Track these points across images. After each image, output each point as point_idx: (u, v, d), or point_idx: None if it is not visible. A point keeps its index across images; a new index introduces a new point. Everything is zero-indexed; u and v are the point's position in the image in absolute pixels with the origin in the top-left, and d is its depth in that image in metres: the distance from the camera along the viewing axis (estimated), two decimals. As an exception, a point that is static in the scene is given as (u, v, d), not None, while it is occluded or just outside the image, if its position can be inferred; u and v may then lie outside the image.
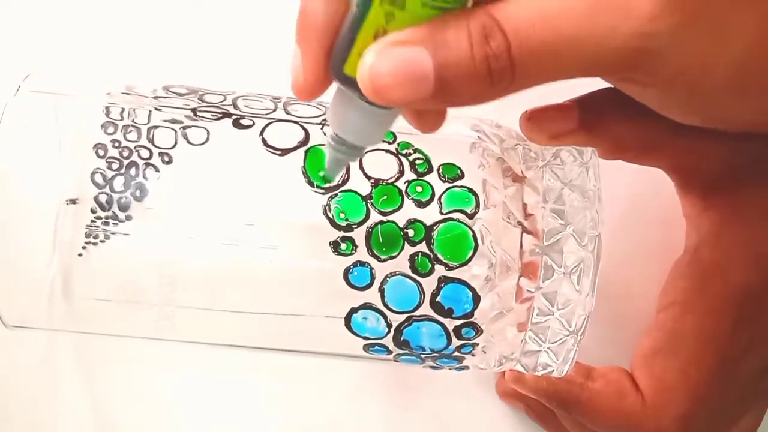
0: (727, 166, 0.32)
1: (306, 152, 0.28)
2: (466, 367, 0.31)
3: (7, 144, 0.28)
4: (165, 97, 0.30)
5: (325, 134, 0.29)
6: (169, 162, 0.28)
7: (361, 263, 0.27)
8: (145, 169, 0.28)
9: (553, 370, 0.30)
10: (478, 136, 0.30)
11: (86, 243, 0.28)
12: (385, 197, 0.28)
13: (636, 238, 0.39)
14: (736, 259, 0.32)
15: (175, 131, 0.28)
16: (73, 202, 0.27)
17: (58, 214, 0.28)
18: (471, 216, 0.28)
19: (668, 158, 0.32)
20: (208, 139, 0.29)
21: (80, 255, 0.29)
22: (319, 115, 0.30)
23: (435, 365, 0.31)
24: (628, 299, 0.39)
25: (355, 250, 0.27)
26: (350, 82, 0.22)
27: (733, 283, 0.32)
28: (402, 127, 0.30)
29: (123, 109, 0.29)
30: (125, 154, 0.28)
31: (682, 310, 0.33)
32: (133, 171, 0.28)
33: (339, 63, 0.22)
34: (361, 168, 0.28)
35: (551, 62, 0.22)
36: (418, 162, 0.28)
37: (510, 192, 0.29)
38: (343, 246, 0.27)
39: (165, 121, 0.29)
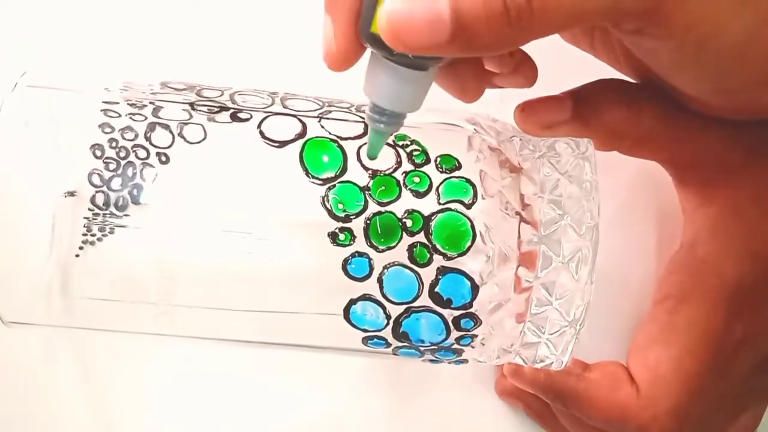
0: (723, 160, 0.32)
1: (303, 144, 0.28)
2: (465, 361, 0.31)
3: (3, 142, 0.28)
4: (162, 93, 0.30)
5: (322, 127, 0.29)
6: (167, 161, 0.28)
7: (360, 254, 0.27)
8: (142, 169, 0.28)
9: (552, 362, 0.30)
10: (475, 129, 0.30)
11: (83, 243, 0.28)
12: (383, 188, 0.28)
13: (634, 233, 0.39)
14: (732, 253, 0.32)
15: (172, 130, 0.28)
16: (71, 194, 0.27)
17: (55, 213, 0.28)
18: (469, 206, 0.28)
19: (663, 150, 0.32)
20: (205, 137, 0.29)
21: (77, 256, 0.28)
22: (317, 109, 0.30)
23: (434, 358, 0.31)
24: (626, 296, 0.39)
25: (354, 241, 0.27)
26: (379, 42, 0.22)
27: (728, 278, 0.32)
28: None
29: (120, 107, 0.29)
30: (122, 154, 0.28)
31: (676, 303, 0.33)
32: (130, 171, 0.28)
33: (367, 23, 0.22)
34: (359, 159, 0.28)
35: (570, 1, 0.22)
36: (415, 153, 0.28)
37: (507, 182, 0.29)
38: (342, 237, 0.27)
39: (162, 119, 0.29)
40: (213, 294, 0.30)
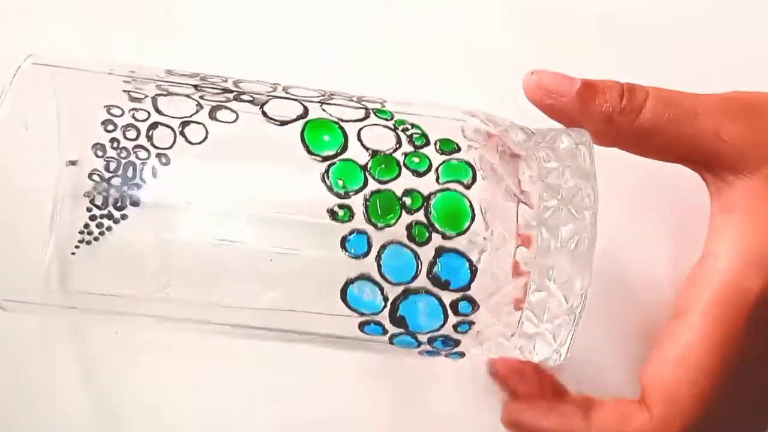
0: (739, 163, 0.31)
1: (305, 124, 0.28)
2: (463, 354, 0.31)
3: (5, 127, 0.28)
4: (167, 78, 0.30)
5: (324, 110, 0.29)
6: (167, 162, 0.28)
7: (359, 231, 0.27)
8: (142, 169, 0.28)
9: (550, 356, 0.30)
10: (474, 118, 0.30)
11: (79, 242, 0.28)
12: (383, 166, 0.28)
13: (645, 238, 0.39)
14: (753, 266, 0.31)
15: (174, 129, 0.29)
16: (73, 163, 0.28)
17: (53, 214, 0.28)
18: (468, 187, 0.28)
19: (670, 150, 0.32)
20: (206, 136, 0.29)
21: (73, 254, 0.29)
22: (318, 96, 0.30)
23: (431, 349, 0.30)
24: (629, 301, 0.38)
25: (353, 218, 0.27)
26: None
27: (749, 292, 0.31)
28: (398, 107, 0.30)
29: (123, 100, 0.29)
30: (123, 155, 0.28)
31: (694, 318, 0.32)
32: (130, 171, 0.28)
33: None
34: (359, 140, 0.28)
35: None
36: (415, 136, 0.29)
37: (506, 167, 0.29)
38: (341, 213, 0.27)
39: (165, 115, 0.29)
40: (212, 285, 0.30)
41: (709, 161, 0.32)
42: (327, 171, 0.28)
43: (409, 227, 0.28)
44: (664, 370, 0.32)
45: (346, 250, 0.28)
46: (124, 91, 0.30)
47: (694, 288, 0.32)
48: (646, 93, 0.31)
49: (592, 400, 0.34)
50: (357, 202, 0.27)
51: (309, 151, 0.28)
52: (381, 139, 0.28)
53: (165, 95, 0.29)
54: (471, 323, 0.29)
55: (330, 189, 0.27)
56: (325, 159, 0.28)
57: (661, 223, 0.38)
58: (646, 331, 0.36)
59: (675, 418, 0.31)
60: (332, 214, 0.27)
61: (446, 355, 0.31)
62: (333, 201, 0.27)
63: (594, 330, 0.35)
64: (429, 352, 0.31)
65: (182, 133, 0.29)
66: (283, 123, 0.28)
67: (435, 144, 0.29)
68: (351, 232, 0.27)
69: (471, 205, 0.28)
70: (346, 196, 0.27)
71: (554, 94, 0.30)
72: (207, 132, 0.29)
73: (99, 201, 0.28)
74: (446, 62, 0.39)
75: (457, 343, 0.30)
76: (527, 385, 0.36)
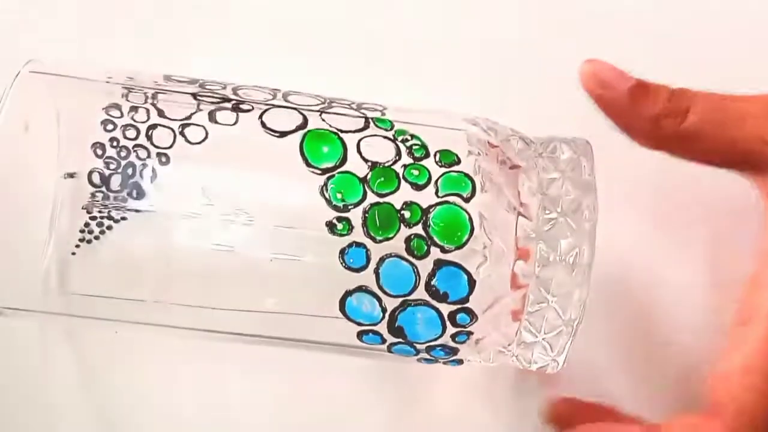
0: None
1: (304, 135, 0.28)
2: (461, 362, 0.31)
3: (5, 133, 0.28)
4: (166, 84, 0.30)
5: (323, 120, 0.29)
6: (167, 162, 0.28)
7: (357, 244, 0.27)
8: (142, 170, 0.28)
9: (548, 365, 0.30)
10: (475, 128, 0.30)
11: (80, 241, 0.28)
12: (382, 179, 0.28)
13: (643, 245, 0.38)
14: None
15: (173, 130, 0.29)
16: (71, 175, 0.28)
17: (53, 214, 0.28)
18: (467, 200, 0.28)
19: (714, 155, 0.32)
20: (206, 137, 0.29)
21: (73, 254, 0.28)
22: (318, 105, 0.30)
23: (429, 357, 0.30)
24: (632, 306, 0.38)
25: (351, 231, 0.27)
26: None
27: None
28: (398, 115, 0.30)
29: (123, 102, 0.29)
30: (123, 154, 0.28)
31: (757, 323, 0.31)
32: (130, 171, 0.28)
33: None
34: (359, 151, 0.28)
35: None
36: (415, 147, 0.29)
37: (505, 179, 0.29)
38: (339, 226, 0.27)
39: (164, 117, 0.29)
40: (210, 291, 0.30)
41: (756, 165, 0.31)
42: (326, 184, 0.27)
43: (407, 240, 0.28)
44: (731, 379, 0.31)
45: (344, 263, 0.28)
46: (123, 95, 0.29)
47: (755, 292, 0.32)
48: (693, 97, 0.31)
49: (658, 425, 0.33)
50: (356, 215, 0.27)
51: (308, 164, 0.28)
52: (380, 150, 0.28)
53: (164, 102, 0.29)
54: (469, 333, 0.29)
55: (329, 202, 0.27)
56: (324, 171, 0.28)
57: (665, 228, 0.38)
58: (649, 337, 0.36)
59: (745, 427, 0.31)
60: (331, 227, 0.27)
61: (444, 363, 0.31)
62: (332, 214, 0.27)
63: (595, 335, 0.35)
64: (427, 360, 0.31)
65: (182, 134, 0.28)
66: (282, 134, 0.28)
67: (435, 155, 0.29)
68: (350, 245, 0.27)
69: (470, 219, 0.28)
70: (345, 209, 0.27)
71: (607, 84, 0.30)
72: (207, 133, 0.29)
73: (99, 199, 0.28)
74: (446, 62, 0.39)
75: (455, 351, 0.30)
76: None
